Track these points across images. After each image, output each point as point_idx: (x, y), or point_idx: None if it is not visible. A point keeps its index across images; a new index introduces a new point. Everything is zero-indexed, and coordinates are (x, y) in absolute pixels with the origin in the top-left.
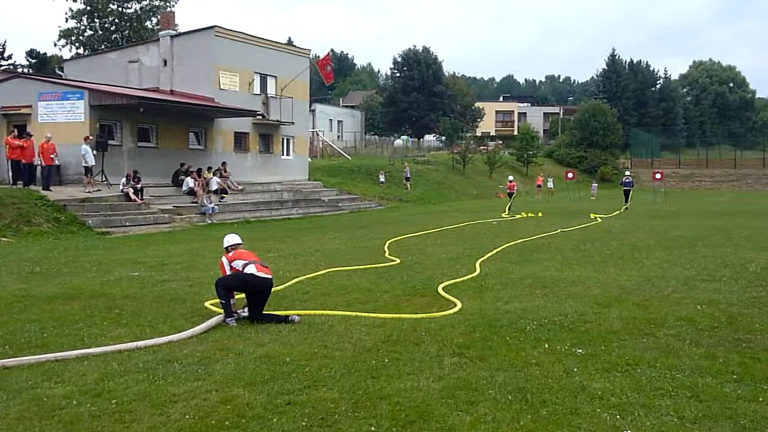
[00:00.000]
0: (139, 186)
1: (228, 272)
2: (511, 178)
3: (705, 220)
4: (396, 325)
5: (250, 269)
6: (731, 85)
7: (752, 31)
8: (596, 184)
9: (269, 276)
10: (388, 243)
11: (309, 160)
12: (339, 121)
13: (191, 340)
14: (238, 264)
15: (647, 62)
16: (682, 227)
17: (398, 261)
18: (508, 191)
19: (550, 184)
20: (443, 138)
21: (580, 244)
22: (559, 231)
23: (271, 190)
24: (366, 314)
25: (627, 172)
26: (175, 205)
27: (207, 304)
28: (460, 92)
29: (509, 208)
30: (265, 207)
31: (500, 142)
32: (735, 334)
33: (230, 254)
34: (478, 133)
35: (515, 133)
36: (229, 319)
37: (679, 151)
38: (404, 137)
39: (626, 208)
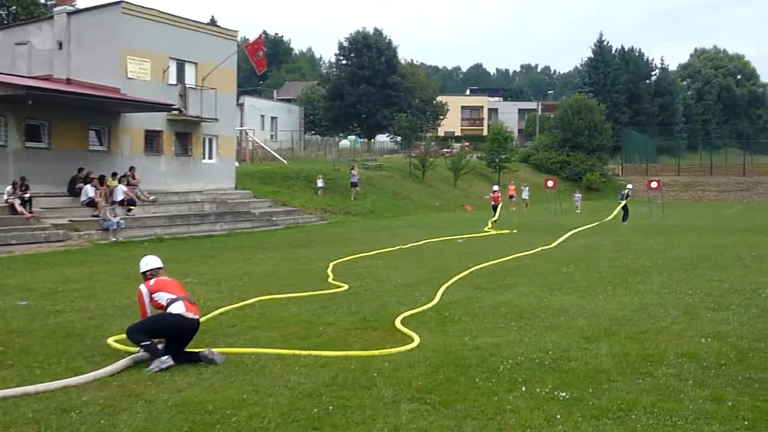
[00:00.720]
0: (27, 196)
1: (147, 306)
2: (496, 188)
3: (710, 237)
4: (343, 365)
5: (178, 308)
6: (739, 77)
7: (764, 14)
8: (580, 195)
9: (197, 316)
10: (332, 265)
11: (236, 164)
12: (273, 118)
13: (92, 384)
14: (162, 298)
15: (640, 50)
16: (682, 246)
17: (345, 287)
18: (493, 203)
19: (526, 194)
20: (399, 139)
21: (562, 265)
22: (539, 250)
23: (190, 201)
24: (306, 352)
25: (629, 185)
26: (71, 219)
27: (110, 340)
28: (419, 84)
29: (494, 222)
30: (182, 221)
31: (467, 143)
32: (746, 372)
33: (151, 283)
34: (441, 133)
35: (485, 133)
36: (160, 361)
37: (679, 156)
38: (352, 137)
39: (617, 218)
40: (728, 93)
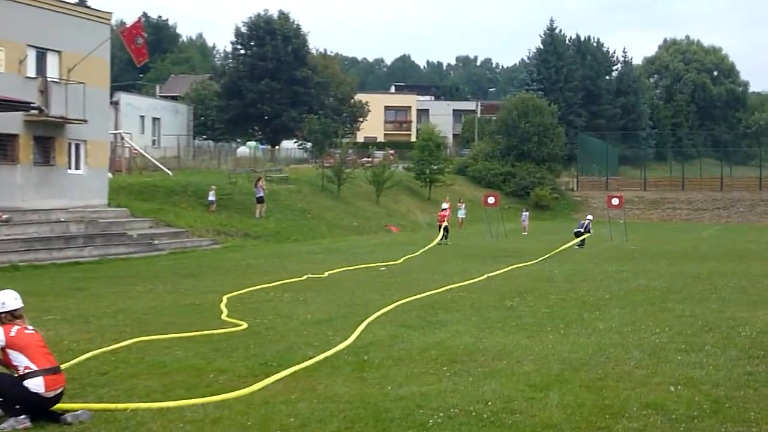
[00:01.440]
0: None
1: None
2: (445, 205)
3: (681, 264)
4: (237, 420)
5: (37, 385)
6: (716, 73)
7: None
8: (528, 213)
9: (61, 388)
10: (227, 299)
11: (109, 176)
12: (155, 119)
13: None
14: (20, 362)
15: (599, 40)
16: (649, 274)
17: (243, 325)
18: (439, 222)
19: (462, 213)
20: (309, 145)
21: (505, 298)
22: (477, 279)
23: (53, 221)
24: (195, 401)
25: (588, 216)
26: None
27: None
28: (334, 79)
29: (444, 242)
30: (42, 245)
31: (392, 151)
32: (721, 426)
33: (12, 332)
34: (361, 139)
35: (413, 138)
36: (16, 420)
37: (645, 167)
38: (252, 144)
39: (578, 245)
40: (703, 92)
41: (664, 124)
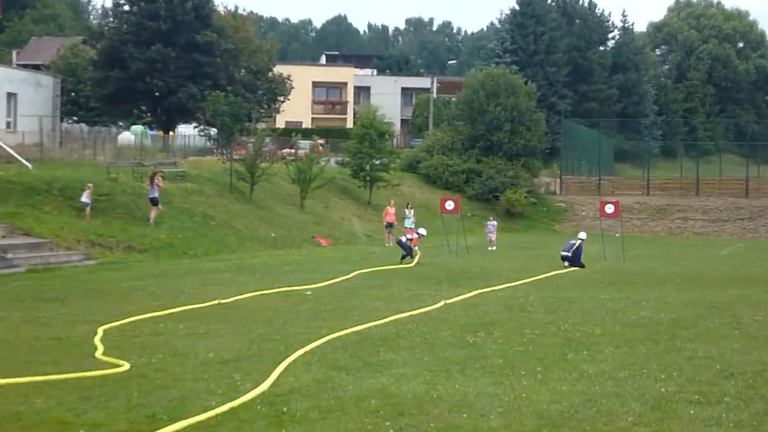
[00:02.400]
0: None
1: None
2: (391, 210)
3: (693, 290)
4: None
5: None
6: (740, 45)
7: None
8: (495, 222)
9: None
10: (103, 331)
11: None
12: (10, 95)
13: None
14: None
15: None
16: (652, 304)
17: (124, 366)
18: (386, 222)
19: (410, 222)
20: (214, 132)
21: (467, 332)
22: (432, 308)
23: None
24: None
25: (581, 234)
26: None
27: None
28: (247, 46)
29: (407, 259)
30: None
31: (322, 141)
32: None
33: None
34: (281, 124)
35: (349, 124)
36: None
37: (649, 164)
38: (138, 128)
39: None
40: (724, 69)
41: (673, 110)
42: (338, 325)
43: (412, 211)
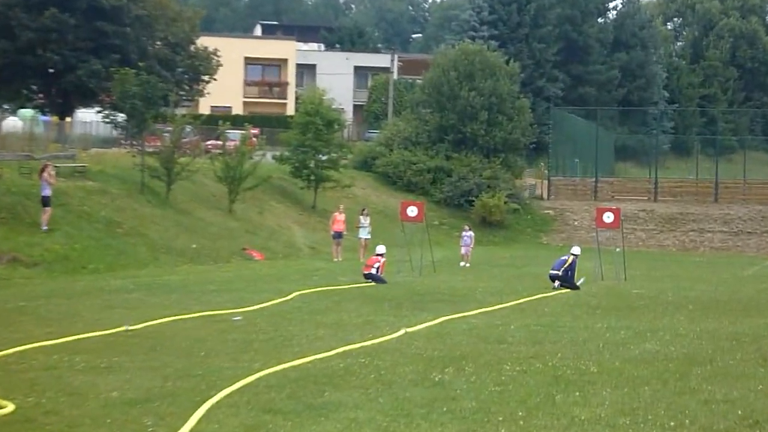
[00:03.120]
0: None
1: None
2: (341, 216)
3: (711, 319)
4: None
5: None
6: None
7: None
8: (471, 233)
9: None
10: None
11: None
12: None
13: None
14: None
15: None
16: (660, 335)
17: (9, 408)
18: (334, 231)
19: (365, 232)
20: (122, 118)
21: (433, 368)
22: (390, 338)
23: None
24: None
25: (575, 249)
26: None
27: None
28: (164, 13)
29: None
30: None
31: (256, 131)
32: None
33: None
34: (206, 110)
35: (290, 111)
36: None
37: (657, 164)
38: (27, 112)
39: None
40: (750, 48)
41: (687, 97)
42: (273, 359)
43: (368, 218)
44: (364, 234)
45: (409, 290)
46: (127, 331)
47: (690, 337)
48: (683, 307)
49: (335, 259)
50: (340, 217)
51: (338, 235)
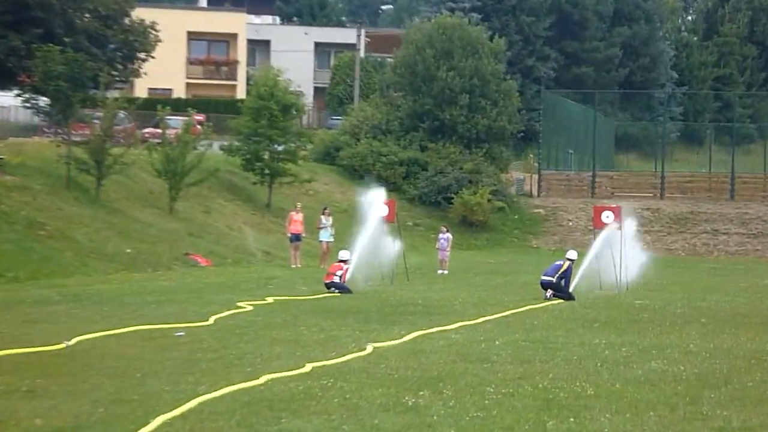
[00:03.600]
0: None
1: None
2: (298, 216)
3: (725, 334)
4: None
5: None
6: None
7: None
8: (449, 235)
9: None
10: None
11: None
12: None
13: None
14: None
15: None
16: (666, 353)
17: None
18: (291, 233)
19: (327, 234)
20: (44, 103)
21: (406, 391)
22: (368, 352)
23: None
24: None
25: (571, 253)
26: None
27: None
28: None
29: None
30: None
31: (200, 117)
32: None
33: None
34: (142, 93)
35: (240, 95)
36: None
37: (663, 154)
38: None
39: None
40: None
41: (699, 79)
42: (222, 380)
43: (331, 218)
44: (325, 236)
45: (378, 301)
46: (67, 347)
47: (702, 355)
48: (694, 321)
49: (293, 266)
50: (298, 216)
51: (296, 238)
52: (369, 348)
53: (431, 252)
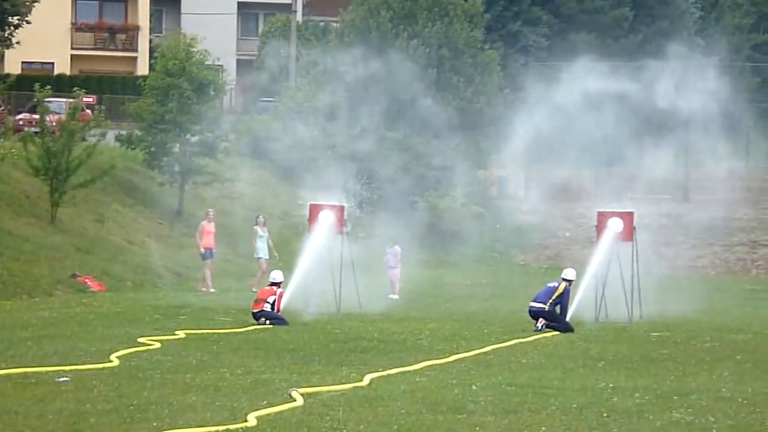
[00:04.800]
0: None
1: None
2: (210, 227)
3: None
4: None
5: None
6: None
7: None
8: (397, 248)
9: None
10: None
11: None
12: None
13: None
14: None
15: None
16: (692, 399)
17: None
18: (203, 248)
19: (264, 248)
20: None
21: None
22: (299, 404)
23: None
24: None
25: (568, 272)
26: None
27: None
28: None
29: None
30: None
31: (90, 99)
32: None
33: None
34: (15, 69)
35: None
36: None
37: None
38: None
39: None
40: None
41: (732, 47)
42: None
43: (266, 228)
44: (263, 252)
45: (322, 334)
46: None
47: (737, 401)
48: (727, 359)
49: (202, 289)
50: (210, 227)
51: (208, 253)
52: (297, 400)
53: (381, 268)
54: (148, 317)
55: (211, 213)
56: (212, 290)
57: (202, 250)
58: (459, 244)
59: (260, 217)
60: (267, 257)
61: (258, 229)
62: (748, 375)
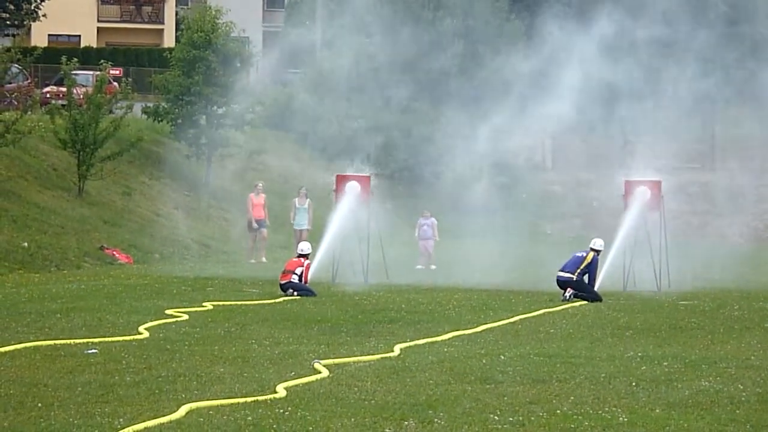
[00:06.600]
0: None
1: None
2: (258, 198)
3: None
4: None
5: None
6: None
7: None
8: (434, 220)
9: None
10: None
11: None
12: None
13: None
14: None
15: None
16: (721, 367)
17: None
18: (255, 219)
19: (304, 220)
20: None
21: (383, 420)
22: (322, 376)
23: None
24: None
25: (596, 242)
26: None
27: None
28: None
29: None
30: None
31: (117, 71)
32: None
33: None
34: (41, 42)
35: (168, 42)
36: None
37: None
38: None
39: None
40: None
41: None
42: (146, 411)
43: (307, 200)
44: (303, 223)
45: (349, 306)
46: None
47: (766, 369)
48: (756, 327)
49: (251, 261)
50: (258, 200)
51: (259, 225)
52: (321, 373)
53: (412, 240)
54: (176, 289)
55: (260, 185)
56: (264, 261)
57: (254, 222)
58: (480, 214)
59: (302, 189)
60: (307, 228)
61: (296, 201)
62: (761, 347)
